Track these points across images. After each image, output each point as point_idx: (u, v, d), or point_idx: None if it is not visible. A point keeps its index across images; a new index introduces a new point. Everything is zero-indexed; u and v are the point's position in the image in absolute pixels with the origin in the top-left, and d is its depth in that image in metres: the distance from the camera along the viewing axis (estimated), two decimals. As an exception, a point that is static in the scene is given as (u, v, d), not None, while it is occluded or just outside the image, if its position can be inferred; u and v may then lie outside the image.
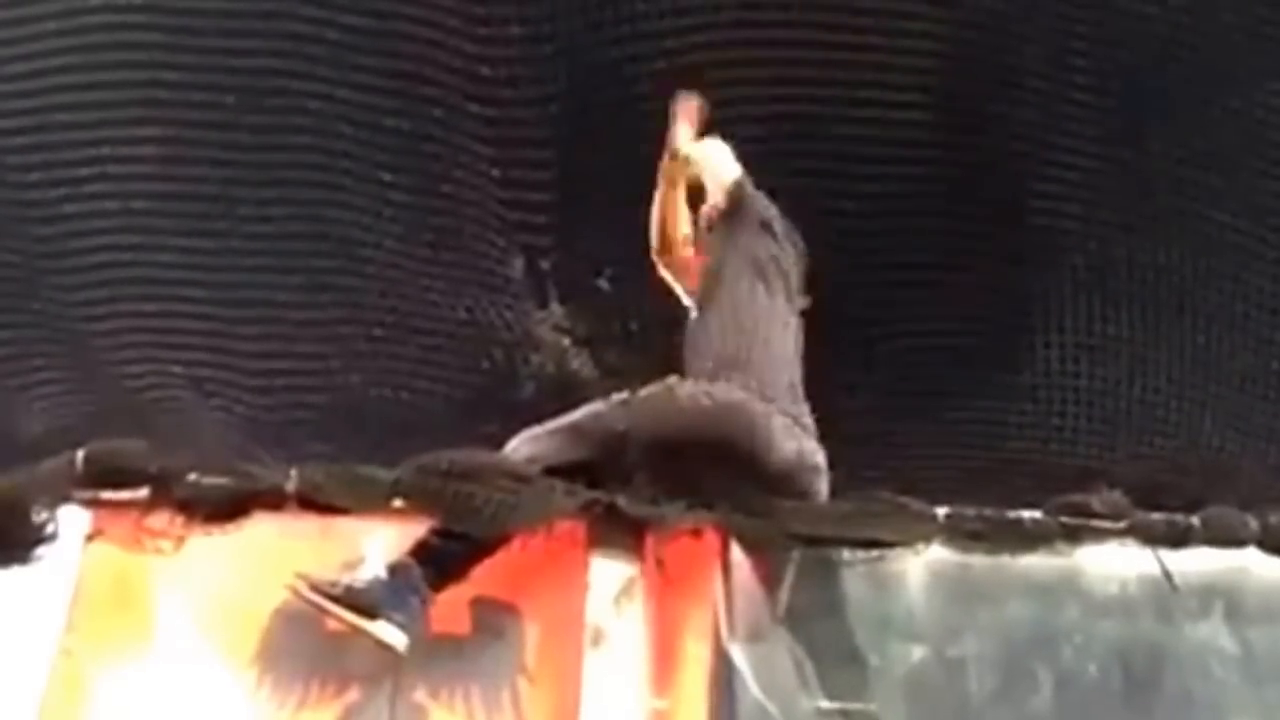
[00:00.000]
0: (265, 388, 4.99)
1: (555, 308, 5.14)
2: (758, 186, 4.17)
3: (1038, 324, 5.13)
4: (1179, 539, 3.81)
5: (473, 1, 4.71)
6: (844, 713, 3.53)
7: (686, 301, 4.31)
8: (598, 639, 3.59)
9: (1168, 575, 3.79)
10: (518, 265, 5.08)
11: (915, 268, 4.77)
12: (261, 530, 3.67)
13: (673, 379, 3.89)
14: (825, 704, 3.52)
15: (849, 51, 4.64)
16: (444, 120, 4.91)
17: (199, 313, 4.93)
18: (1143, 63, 4.69)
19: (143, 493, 3.67)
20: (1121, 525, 3.79)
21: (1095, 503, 3.76)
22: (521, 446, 3.69)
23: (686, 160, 4.26)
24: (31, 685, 3.55)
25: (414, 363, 5.10)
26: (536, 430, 3.74)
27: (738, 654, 3.55)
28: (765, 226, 4.13)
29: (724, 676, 3.55)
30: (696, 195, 4.28)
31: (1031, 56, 4.69)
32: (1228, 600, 3.82)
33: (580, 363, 5.10)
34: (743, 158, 4.19)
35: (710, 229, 4.25)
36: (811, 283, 4.12)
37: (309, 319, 5.00)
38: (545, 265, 5.08)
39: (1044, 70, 4.71)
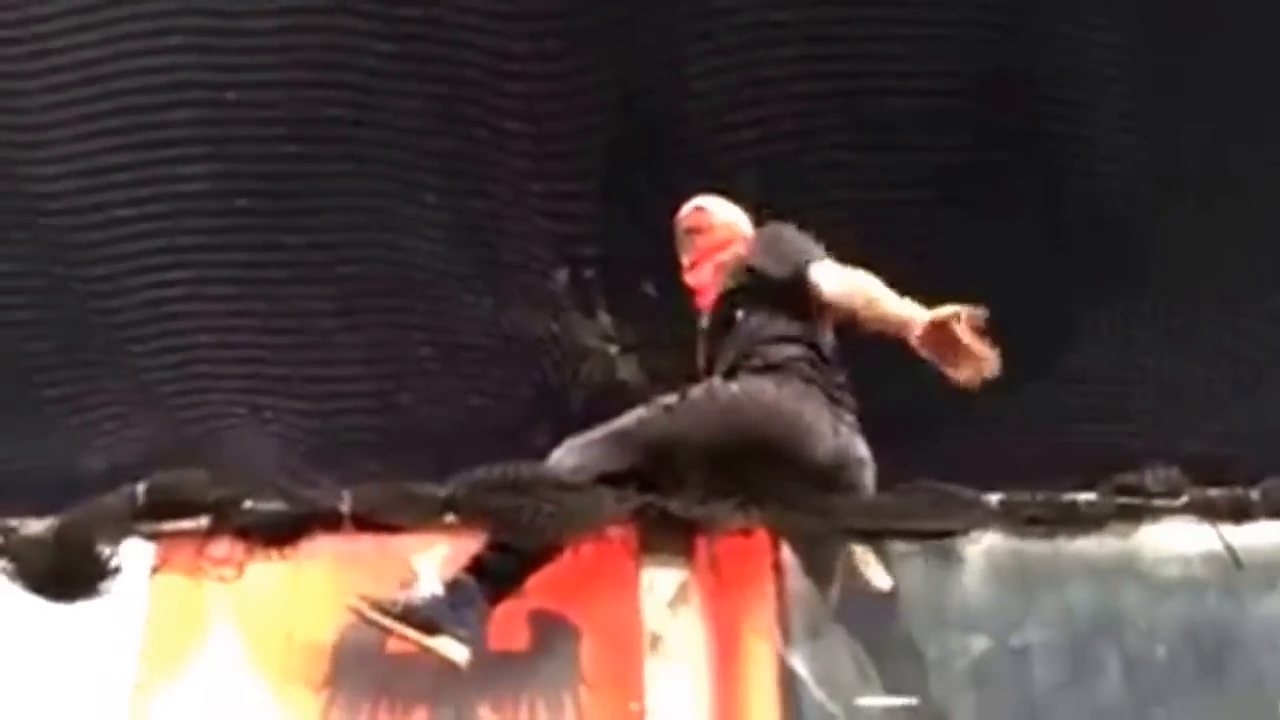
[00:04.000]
0: (318, 411, 5.04)
1: (602, 316, 5.14)
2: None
3: (1091, 303, 5.07)
4: (1240, 513, 3.77)
5: (514, 20, 4.72)
6: (908, 709, 3.52)
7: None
8: (656, 644, 3.61)
9: (1231, 551, 3.75)
10: (562, 277, 5.09)
11: (961, 252, 4.72)
12: (320, 556, 3.73)
13: (715, 381, 3.90)
14: (887, 701, 3.51)
15: (884, 16, 4.61)
16: (487, 140, 4.93)
17: (253, 342, 4.98)
18: (1177, 40, 4.64)
19: (203, 522, 3.75)
20: (1179, 502, 3.75)
21: (1150, 481, 3.73)
22: (566, 457, 3.71)
23: None
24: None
25: (463, 379, 5.11)
26: (578, 440, 3.76)
27: (795, 654, 3.56)
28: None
29: (785, 677, 3.55)
30: None
31: (1061, 31, 4.66)
32: (1293, 573, 3.78)
33: (628, 370, 5.10)
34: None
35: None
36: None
37: (357, 341, 5.05)
38: (590, 274, 5.10)
39: (1076, 49, 4.67)
